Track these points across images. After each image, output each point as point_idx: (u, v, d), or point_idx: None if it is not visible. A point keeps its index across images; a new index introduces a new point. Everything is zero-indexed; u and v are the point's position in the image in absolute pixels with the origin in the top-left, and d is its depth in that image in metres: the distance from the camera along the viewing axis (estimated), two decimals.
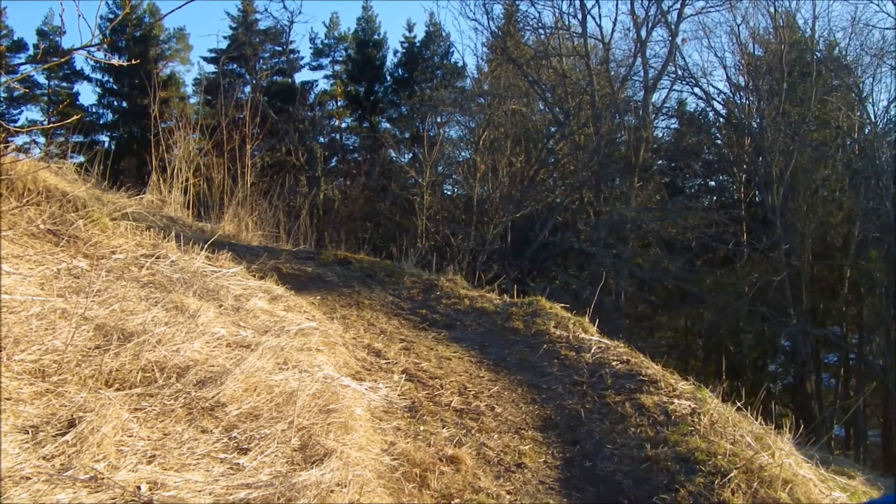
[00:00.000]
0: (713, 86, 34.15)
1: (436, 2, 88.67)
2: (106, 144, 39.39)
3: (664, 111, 33.64)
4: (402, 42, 43.82)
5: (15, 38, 40.84)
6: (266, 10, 39.26)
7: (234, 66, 39.79)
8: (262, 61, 41.22)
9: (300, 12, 53.04)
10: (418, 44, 42.81)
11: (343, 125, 43.07)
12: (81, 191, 10.53)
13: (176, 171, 14.98)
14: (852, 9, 60.59)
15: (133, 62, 4.84)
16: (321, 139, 39.17)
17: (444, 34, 42.27)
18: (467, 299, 11.54)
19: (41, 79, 40.23)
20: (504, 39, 31.38)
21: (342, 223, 27.97)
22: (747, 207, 32.77)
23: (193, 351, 6.17)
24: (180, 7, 4.23)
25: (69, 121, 6.32)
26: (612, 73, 30.99)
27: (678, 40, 30.16)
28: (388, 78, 43.25)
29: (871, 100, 30.94)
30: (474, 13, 46.86)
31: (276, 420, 5.51)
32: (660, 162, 32.85)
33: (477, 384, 8.39)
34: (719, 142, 34.10)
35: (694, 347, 35.91)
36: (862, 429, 28.75)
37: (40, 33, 41.27)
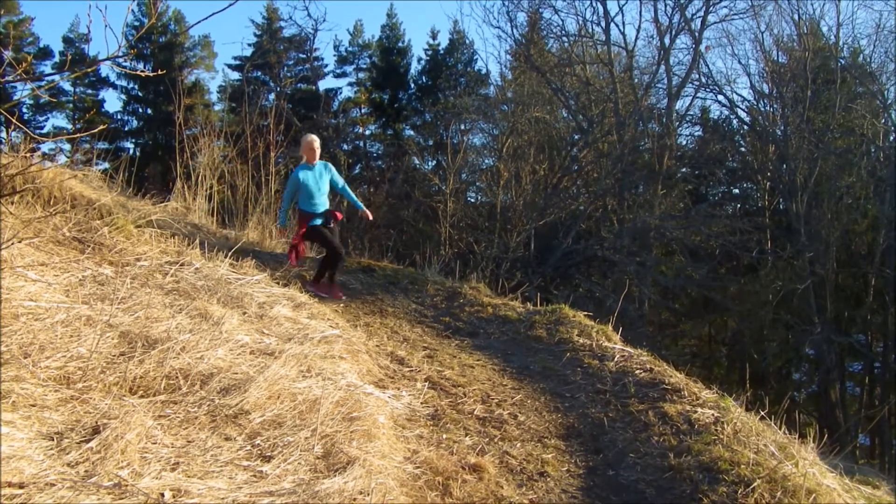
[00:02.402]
0: (737, 93, 34.02)
1: (460, 10, 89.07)
2: (131, 151, 39.75)
3: (688, 119, 33.68)
4: (426, 49, 44.04)
5: (41, 45, 41.22)
6: (290, 17, 39.57)
7: (259, 73, 40.04)
8: (286, 69, 41.45)
9: (324, 20, 53.24)
10: (442, 51, 42.96)
11: (367, 132, 43.29)
12: (107, 198, 10.60)
13: (200, 178, 15.03)
14: (877, 16, 60.50)
15: (159, 72, 4.87)
16: (345, 146, 39.36)
17: (467, 42, 42.52)
18: (490, 307, 11.54)
19: (67, 86, 40.61)
20: (527, 47, 31.45)
21: (365, 230, 28.01)
22: (771, 215, 32.70)
23: (217, 358, 6.19)
24: (207, 18, 4.25)
25: (95, 130, 6.32)
26: (636, 80, 31.02)
27: (702, 48, 30.22)
28: (413, 85, 43.40)
29: (895, 107, 30.80)
30: (498, 21, 47.02)
31: (299, 428, 5.52)
32: (683, 169, 32.82)
33: (500, 392, 8.39)
34: (743, 149, 34.07)
35: (718, 356, 35.83)
36: (887, 438, 28.56)
37: (66, 40, 41.69)
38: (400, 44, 43.88)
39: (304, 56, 40.49)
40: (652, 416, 7.63)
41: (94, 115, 36.21)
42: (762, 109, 32.35)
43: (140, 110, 42.07)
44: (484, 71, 42.62)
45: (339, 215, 11.70)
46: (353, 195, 11.68)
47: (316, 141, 11.31)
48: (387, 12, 48.53)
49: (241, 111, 20.60)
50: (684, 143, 34.05)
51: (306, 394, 6.09)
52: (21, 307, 5.96)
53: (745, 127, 33.13)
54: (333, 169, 11.42)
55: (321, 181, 11.20)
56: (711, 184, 36.32)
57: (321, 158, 11.44)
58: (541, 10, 31.87)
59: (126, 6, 4.59)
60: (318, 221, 11.19)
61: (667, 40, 29.58)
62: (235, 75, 41.75)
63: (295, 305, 9.33)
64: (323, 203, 11.28)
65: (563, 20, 32.97)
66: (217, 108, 41.11)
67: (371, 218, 12.32)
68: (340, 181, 11.46)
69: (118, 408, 4.89)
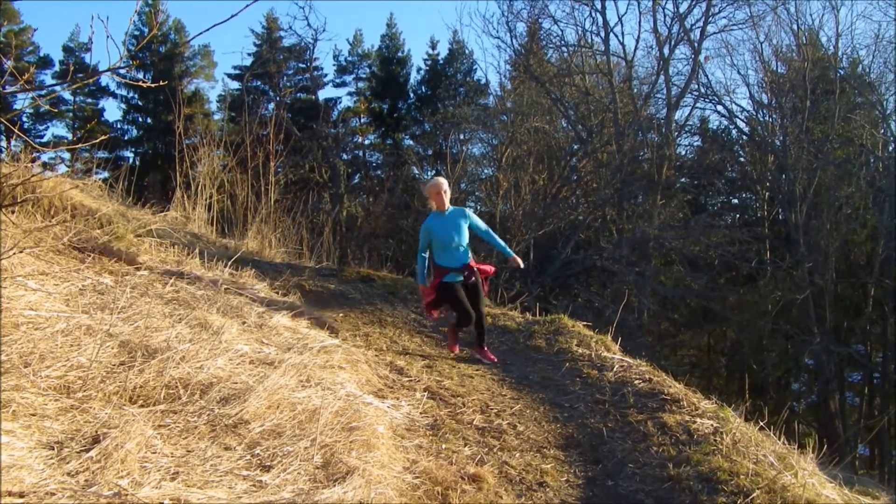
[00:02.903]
0: (736, 103, 34.09)
1: (459, 20, 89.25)
2: (131, 160, 39.77)
3: (687, 129, 33.73)
4: (425, 59, 44.13)
5: (41, 54, 41.32)
6: (290, 27, 39.36)
7: (259, 82, 40.05)
8: (286, 78, 41.42)
9: (324, 30, 53.02)
10: (442, 61, 43.04)
11: (366, 142, 43.31)
12: (107, 208, 10.62)
13: (200, 187, 15.04)
14: (876, 27, 60.54)
15: (160, 83, 4.88)
16: (344, 156, 39.37)
17: (467, 52, 42.55)
18: (489, 317, 11.51)
19: (67, 95, 40.67)
20: (527, 57, 31.49)
21: (365, 240, 28.06)
22: (770, 225, 32.73)
23: (217, 368, 6.20)
24: (208, 30, 4.27)
25: (96, 141, 6.36)
26: (635, 90, 31.09)
27: (701, 58, 30.25)
28: (412, 95, 43.47)
29: (894, 117, 30.87)
30: (497, 31, 47.01)
31: (298, 437, 5.53)
32: (683, 179, 32.88)
33: (499, 402, 8.39)
34: (742, 159, 34.11)
35: (717, 366, 35.84)
36: (886, 448, 28.55)
37: (66, 49, 41.78)
38: (399, 53, 43.97)
39: (304, 66, 40.45)
40: (651, 426, 7.63)
41: (94, 125, 36.25)
42: (761, 120, 32.40)
43: (140, 119, 42.11)
44: (483, 81, 42.72)
45: (490, 269, 10.43)
46: (499, 240, 10.14)
47: (444, 184, 9.80)
48: (386, 22, 48.57)
49: (241, 121, 20.63)
50: (683, 153, 34.13)
51: (306, 403, 6.09)
52: (21, 316, 5.97)
53: (745, 137, 33.17)
54: (472, 214, 9.92)
55: (457, 230, 9.66)
56: (710, 194, 36.37)
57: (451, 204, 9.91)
58: (540, 20, 31.95)
59: (127, 16, 4.62)
60: (455, 278, 9.67)
61: (666, 50, 29.65)
62: (235, 85, 41.83)
63: (294, 315, 9.35)
64: (460, 256, 9.72)
65: (562, 30, 32.98)
66: (217, 117, 41.18)
67: (521, 265, 10.27)
68: (483, 225, 9.99)
69: (118, 417, 4.90)
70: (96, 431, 4.69)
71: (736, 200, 37.85)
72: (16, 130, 4.92)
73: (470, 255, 9.85)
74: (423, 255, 9.85)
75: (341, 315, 10.96)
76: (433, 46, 43.92)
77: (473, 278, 9.76)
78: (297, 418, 5.83)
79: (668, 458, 6.92)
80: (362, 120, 43.09)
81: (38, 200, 9.34)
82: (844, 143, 30.66)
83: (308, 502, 4.72)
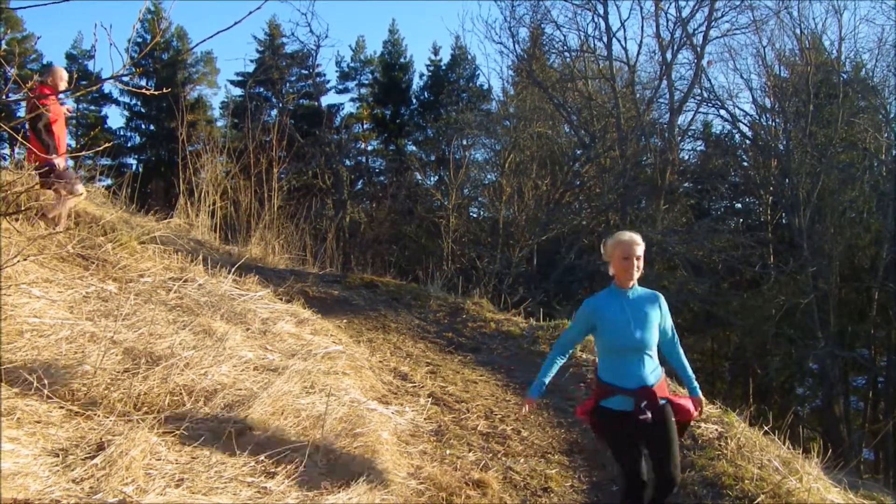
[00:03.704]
0: (739, 108, 34.11)
1: (462, 25, 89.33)
2: (134, 167, 39.72)
3: (690, 133, 33.61)
4: (427, 65, 44.02)
5: (44, 61, 41.29)
6: (293, 33, 39.34)
7: (261, 89, 39.94)
8: (288, 85, 41.36)
9: (327, 36, 53.05)
10: (444, 67, 42.93)
11: (369, 148, 43.19)
12: (110, 215, 10.62)
13: (203, 194, 15.05)
14: (879, 30, 60.47)
15: (164, 91, 4.89)
16: (347, 162, 39.28)
17: (469, 57, 42.42)
18: (493, 322, 11.53)
19: (70, 102, 40.54)
20: (529, 62, 31.41)
21: (368, 246, 28.02)
22: (774, 230, 32.60)
23: (221, 374, 6.20)
24: (211, 37, 4.26)
25: (99, 148, 6.36)
26: (638, 95, 30.98)
27: (704, 62, 30.13)
28: (414, 101, 43.37)
29: None
30: (499, 36, 47.04)
31: (303, 444, 5.52)
32: (686, 184, 32.79)
33: (503, 408, 8.39)
34: (745, 164, 33.99)
35: (721, 370, 35.73)
36: (891, 452, 28.38)
37: (69, 57, 41.71)
38: (402, 59, 43.88)
39: (307, 72, 40.39)
40: None
41: (97, 132, 36.23)
42: (764, 124, 32.31)
43: (143, 126, 42.03)
44: (486, 86, 42.64)
45: (690, 408, 5.76)
46: (685, 361, 5.99)
47: (638, 245, 5.99)
48: (389, 28, 48.58)
49: (244, 127, 20.65)
50: (686, 157, 34.02)
51: (310, 410, 6.09)
52: (25, 324, 5.97)
53: (748, 141, 33.06)
54: (665, 305, 6.02)
55: (642, 324, 5.71)
56: (714, 198, 36.30)
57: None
58: (542, 25, 31.91)
59: (130, 23, 4.62)
60: (625, 405, 5.49)
61: (669, 55, 29.58)
62: (238, 91, 41.68)
63: (298, 321, 9.34)
64: (641, 370, 5.56)
65: (564, 35, 32.83)
66: (220, 124, 41.16)
67: (697, 415, 5.85)
68: (670, 329, 6.02)
69: (122, 424, 4.90)
70: (101, 438, 4.69)
71: (739, 205, 37.73)
72: (19, 138, 4.94)
73: (660, 374, 5.73)
74: (562, 352, 6.12)
75: (345, 321, 10.96)
76: (435, 52, 43.90)
77: (652, 414, 5.44)
78: (301, 424, 5.83)
79: None
80: (365, 126, 43.00)
81: (42, 208, 9.34)
82: (848, 147, 30.57)
83: None
